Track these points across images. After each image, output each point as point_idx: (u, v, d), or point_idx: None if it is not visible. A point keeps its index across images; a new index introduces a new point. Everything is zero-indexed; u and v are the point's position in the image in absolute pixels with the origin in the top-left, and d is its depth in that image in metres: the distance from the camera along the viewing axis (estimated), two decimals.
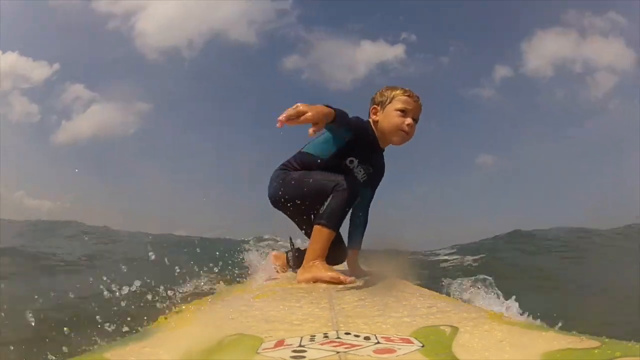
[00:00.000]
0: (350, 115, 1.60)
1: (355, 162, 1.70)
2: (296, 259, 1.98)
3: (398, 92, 1.69)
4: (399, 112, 1.67)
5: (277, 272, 1.99)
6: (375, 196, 1.91)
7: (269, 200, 1.82)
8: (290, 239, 2.11)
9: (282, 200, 1.72)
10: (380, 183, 1.90)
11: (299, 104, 1.27)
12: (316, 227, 1.61)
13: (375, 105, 1.74)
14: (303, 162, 1.74)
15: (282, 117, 1.24)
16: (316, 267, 1.56)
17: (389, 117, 1.69)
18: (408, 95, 1.68)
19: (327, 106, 1.38)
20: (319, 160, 1.69)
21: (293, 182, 1.68)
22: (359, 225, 1.88)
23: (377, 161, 1.81)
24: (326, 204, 1.59)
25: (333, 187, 1.58)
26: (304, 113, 1.25)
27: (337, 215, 1.59)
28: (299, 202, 1.69)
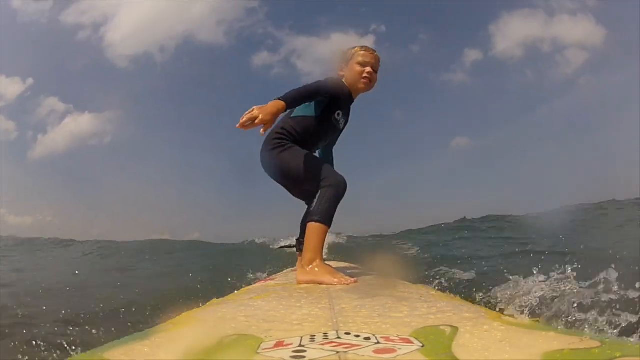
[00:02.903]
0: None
1: (341, 114, 1.94)
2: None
3: (357, 48, 1.96)
4: (359, 65, 1.91)
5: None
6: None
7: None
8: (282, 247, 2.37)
9: (274, 176, 1.91)
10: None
11: (254, 108, 1.56)
12: (311, 225, 1.63)
13: (340, 64, 1.98)
14: (298, 125, 1.88)
15: (239, 125, 1.55)
16: (317, 270, 1.57)
17: (352, 71, 1.93)
18: (365, 50, 1.94)
19: (279, 98, 1.63)
20: (312, 120, 1.88)
21: (282, 163, 1.83)
22: (331, 164, 2.13)
23: (349, 111, 2.03)
24: (316, 199, 1.64)
25: (321, 180, 1.68)
26: (256, 117, 1.53)
27: (330, 210, 1.65)
28: (289, 181, 1.92)
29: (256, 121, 1.55)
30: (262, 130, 1.57)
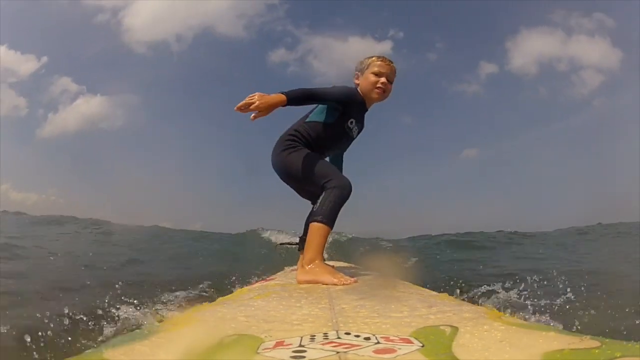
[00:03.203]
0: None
1: (354, 122, 1.94)
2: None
3: (373, 58, 1.96)
4: (374, 75, 1.92)
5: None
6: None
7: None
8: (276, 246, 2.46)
9: (282, 176, 1.92)
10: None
11: (256, 94, 1.61)
12: (313, 225, 1.63)
13: (357, 72, 1.99)
14: (311, 130, 1.90)
15: (236, 107, 1.61)
16: (317, 270, 1.57)
17: (366, 80, 1.94)
18: (382, 60, 1.94)
19: (283, 92, 1.66)
20: (326, 126, 1.90)
21: (290, 164, 1.84)
22: (340, 168, 2.15)
23: (363, 119, 2.03)
24: (320, 200, 1.64)
25: (326, 182, 1.70)
26: (253, 103, 1.59)
27: (333, 211, 1.66)
28: (296, 182, 1.92)
29: (251, 106, 1.59)
30: (252, 116, 1.62)
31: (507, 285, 2.83)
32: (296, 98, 1.72)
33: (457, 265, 5.23)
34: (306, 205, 2.11)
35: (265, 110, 1.62)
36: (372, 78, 1.91)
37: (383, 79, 1.91)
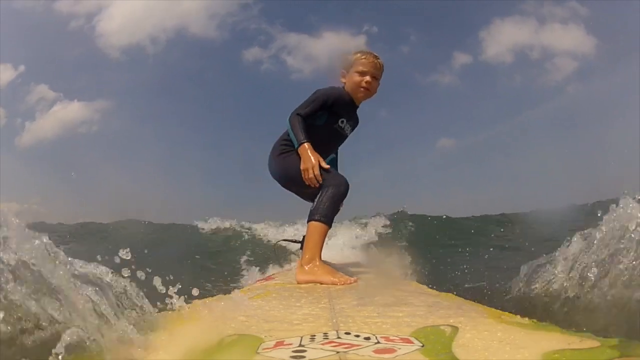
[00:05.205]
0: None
1: (345, 121, 1.94)
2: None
3: (358, 55, 1.94)
4: (358, 74, 1.91)
5: None
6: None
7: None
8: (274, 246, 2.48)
9: (282, 182, 1.94)
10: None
11: (306, 171, 1.72)
12: (311, 224, 1.63)
13: (342, 70, 1.98)
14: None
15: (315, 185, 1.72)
16: (316, 269, 1.57)
17: (351, 79, 1.93)
18: (365, 58, 1.92)
19: (301, 142, 1.75)
20: (316, 128, 1.87)
21: (287, 168, 1.85)
22: (335, 161, 2.21)
23: (355, 115, 2.04)
24: (317, 199, 1.64)
25: (322, 181, 1.71)
26: (314, 173, 1.70)
27: (331, 210, 1.66)
28: (295, 185, 1.91)
29: (316, 174, 1.70)
30: (324, 165, 1.73)
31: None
32: (308, 132, 1.78)
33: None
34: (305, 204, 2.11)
35: (318, 161, 1.72)
36: (357, 77, 1.90)
37: (367, 78, 1.89)
